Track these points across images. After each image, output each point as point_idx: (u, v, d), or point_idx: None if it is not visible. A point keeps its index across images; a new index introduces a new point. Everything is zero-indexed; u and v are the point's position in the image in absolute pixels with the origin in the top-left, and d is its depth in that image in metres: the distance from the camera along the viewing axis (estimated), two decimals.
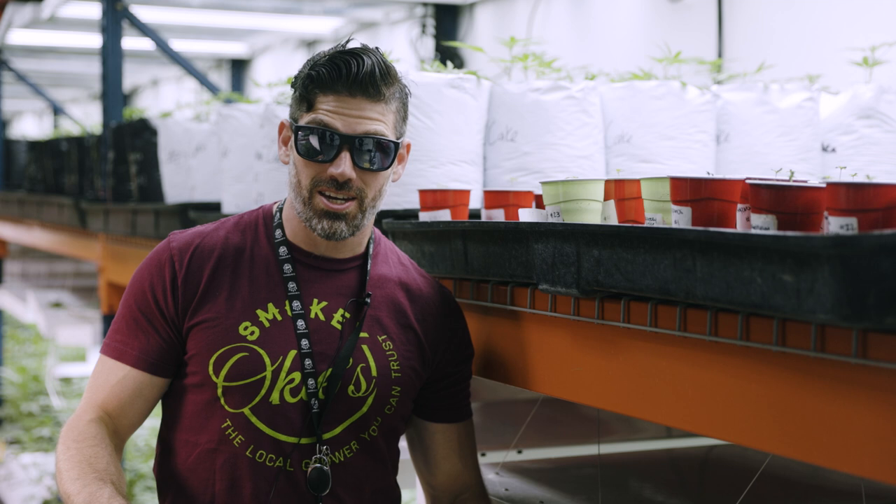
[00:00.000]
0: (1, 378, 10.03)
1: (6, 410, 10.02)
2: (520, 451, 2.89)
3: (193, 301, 1.94)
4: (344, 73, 1.88)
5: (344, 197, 1.91)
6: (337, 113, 1.89)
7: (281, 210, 2.03)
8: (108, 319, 5.50)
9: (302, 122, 1.92)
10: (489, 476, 2.62)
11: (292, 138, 1.95)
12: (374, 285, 2.03)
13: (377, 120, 1.90)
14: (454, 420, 2.14)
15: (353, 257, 2.03)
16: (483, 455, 2.82)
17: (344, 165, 1.88)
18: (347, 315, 1.99)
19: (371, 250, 2.05)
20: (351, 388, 1.97)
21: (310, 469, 1.94)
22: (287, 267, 1.98)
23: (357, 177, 1.90)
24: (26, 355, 11.39)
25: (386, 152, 1.92)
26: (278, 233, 2.01)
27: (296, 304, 1.96)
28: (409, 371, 2.03)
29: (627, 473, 2.76)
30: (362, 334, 1.99)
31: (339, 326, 1.98)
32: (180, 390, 1.97)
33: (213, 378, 1.92)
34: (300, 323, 1.95)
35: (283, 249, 1.99)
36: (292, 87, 1.98)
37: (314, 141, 1.90)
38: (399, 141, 1.95)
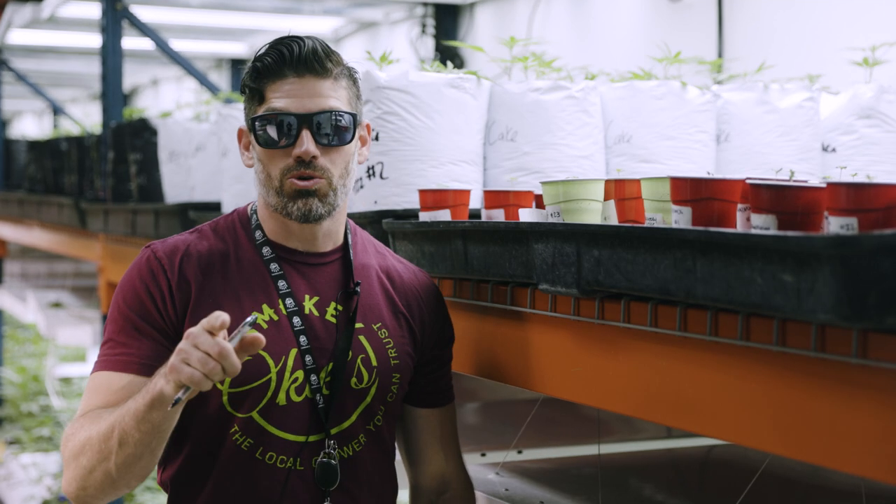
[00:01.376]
0: (1, 378, 10.03)
1: (6, 410, 10.03)
2: (520, 451, 2.89)
3: (188, 308, 1.92)
4: (287, 56, 1.91)
5: (311, 175, 1.92)
6: (288, 97, 1.91)
7: (255, 212, 2.03)
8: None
9: (252, 116, 1.94)
10: (489, 476, 2.63)
11: (251, 136, 1.96)
12: (359, 274, 2.04)
13: (329, 96, 1.93)
14: (437, 404, 2.15)
15: (334, 249, 2.03)
16: (483, 455, 2.82)
17: (306, 143, 1.90)
18: (340, 308, 1.99)
19: (350, 240, 2.06)
20: (354, 380, 1.97)
21: (317, 464, 1.94)
22: (274, 266, 1.98)
23: (321, 155, 1.92)
24: (26, 355, 11.39)
25: (344, 128, 1.94)
26: (258, 234, 2.01)
27: (289, 301, 1.96)
28: (405, 357, 2.04)
29: (627, 473, 2.76)
30: (357, 325, 2.00)
31: (333, 320, 1.98)
32: None
33: (218, 386, 1.90)
34: (296, 320, 1.95)
35: (266, 249, 1.99)
36: (241, 92, 2.00)
37: (272, 129, 1.91)
38: (355, 113, 1.96)
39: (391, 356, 2.02)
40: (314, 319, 1.97)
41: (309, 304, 1.98)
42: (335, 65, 1.94)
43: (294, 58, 1.91)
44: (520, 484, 2.57)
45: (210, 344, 1.65)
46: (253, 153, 1.98)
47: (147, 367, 1.89)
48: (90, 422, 1.83)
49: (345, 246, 2.05)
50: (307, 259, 2.00)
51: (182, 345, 1.67)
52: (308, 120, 1.91)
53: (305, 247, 2.00)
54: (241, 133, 2.02)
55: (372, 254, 2.10)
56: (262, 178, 1.96)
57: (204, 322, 1.67)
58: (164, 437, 1.78)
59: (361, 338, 2.00)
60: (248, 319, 1.71)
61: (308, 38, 1.93)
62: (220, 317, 1.67)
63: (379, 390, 2.00)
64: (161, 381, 1.70)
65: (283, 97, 1.91)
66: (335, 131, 1.93)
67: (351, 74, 1.99)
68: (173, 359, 1.68)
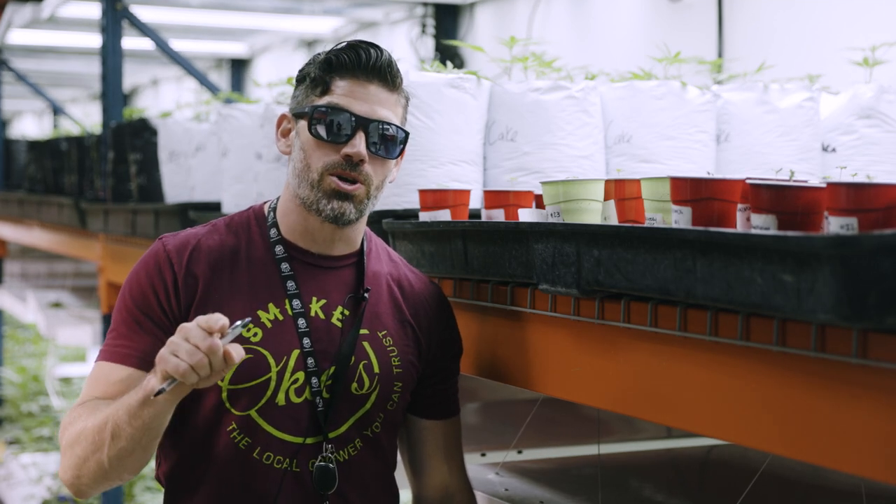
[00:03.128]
0: (1, 378, 10.03)
1: (6, 410, 10.02)
2: (520, 451, 2.89)
3: (194, 302, 1.93)
4: (364, 59, 1.93)
5: (354, 179, 1.93)
6: (353, 97, 1.93)
7: (274, 209, 2.03)
8: (107, 319, 5.50)
9: (315, 104, 1.94)
10: (489, 476, 2.63)
11: (302, 122, 1.96)
12: (369, 281, 2.04)
13: (389, 109, 1.95)
14: (442, 416, 2.15)
15: (349, 254, 2.03)
16: (483, 455, 2.82)
17: (360, 145, 1.91)
18: (346, 312, 2.00)
19: (365, 247, 2.06)
20: (354, 385, 1.97)
21: (315, 467, 1.94)
22: (285, 266, 1.98)
23: (368, 161, 1.93)
24: (26, 355, 11.38)
25: (395, 142, 1.96)
26: (273, 231, 2.00)
27: (296, 302, 1.96)
28: (408, 366, 2.04)
29: (627, 473, 2.76)
30: (362, 331, 2.00)
31: (339, 324, 1.98)
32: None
33: (218, 382, 1.91)
34: (301, 322, 1.95)
35: (279, 248, 1.99)
36: (299, 79, 2.00)
37: (328, 122, 1.92)
38: (407, 132, 1.99)
39: (394, 364, 2.02)
40: (319, 322, 1.97)
41: (315, 307, 1.98)
42: (401, 83, 1.98)
43: (370, 63, 1.93)
44: (520, 484, 2.57)
45: (200, 337, 1.66)
46: (294, 141, 1.98)
47: (145, 363, 1.90)
48: (87, 412, 1.83)
49: (359, 252, 2.05)
50: (319, 261, 2.00)
51: (173, 337, 1.68)
52: (366, 124, 1.92)
53: (319, 249, 2.00)
54: (282, 118, 2.02)
55: (385, 262, 2.10)
56: (299, 167, 1.95)
57: (201, 319, 1.67)
58: (156, 434, 1.78)
59: (365, 344, 2.00)
60: (240, 322, 1.71)
61: (384, 49, 1.96)
62: (220, 320, 1.68)
63: (379, 397, 2.00)
64: (152, 377, 1.71)
65: (348, 96, 1.92)
66: (386, 142, 1.95)
67: (407, 98, 2.02)
68: (163, 350, 1.68)
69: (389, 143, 1.95)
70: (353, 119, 1.91)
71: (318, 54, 1.98)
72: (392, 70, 1.95)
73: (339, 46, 1.96)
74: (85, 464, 1.81)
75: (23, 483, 8.08)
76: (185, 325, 1.69)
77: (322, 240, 2.00)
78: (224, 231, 2.02)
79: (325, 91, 1.94)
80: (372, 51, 1.93)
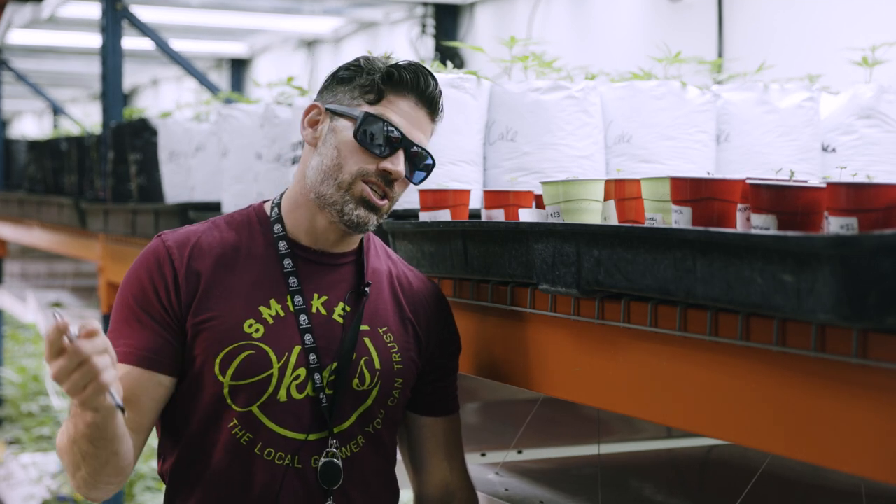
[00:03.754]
0: (1, 378, 10.03)
1: (6, 410, 10.02)
2: (520, 451, 2.89)
3: (195, 299, 1.93)
4: (422, 85, 1.98)
5: (385, 194, 1.96)
6: (404, 118, 1.97)
7: (278, 206, 2.03)
8: (107, 319, 5.49)
9: (368, 111, 1.95)
10: (489, 476, 2.63)
11: (343, 122, 1.96)
12: (370, 278, 2.05)
13: (428, 138, 2.02)
14: (442, 413, 2.15)
15: (349, 252, 2.05)
16: (483, 455, 2.82)
17: (401, 164, 1.95)
18: (348, 309, 2.00)
19: (364, 244, 2.07)
20: (356, 381, 1.98)
21: (321, 463, 1.94)
22: (287, 262, 1.99)
23: (399, 181, 1.98)
24: (26, 355, 11.38)
25: (425, 170, 2.02)
26: (277, 227, 2.01)
27: (297, 299, 1.97)
28: (409, 362, 2.05)
29: (627, 473, 2.76)
30: (363, 327, 2.00)
31: (340, 320, 1.99)
32: (184, 391, 1.96)
33: (220, 378, 1.91)
34: (303, 318, 1.96)
35: (282, 244, 2.00)
36: (344, 79, 1.99)
37: (378, 132, 1.94)
38: (435, 163, 2.04)
39: (395, 360, 2.02)
40: (321, 318, 1.97)
41: (317, 303, 1.98)
42: (440, 118, 2.04)
43: (428, 90, 1.99)
44: (520, 484, 2.57)
45: (75, 356, 1.63)
46: (326, 137, 1.98)
47: (146, 359, 1.90)
48: (72, 420, 1.83)
49: (359, 250, 2.06)
50: (321, 258, 2.01)
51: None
52: (409, 146, 1.97)
53: (321, 246, 2.01)
54: (312, 108, 2.02)
55: (384, 259, 2.11)
56: (328, 164, 1.96)
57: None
58: (118, 441, 1.77)
59: (366, 340, 2.00)
60: (53, 311, 1.68)
61: (438, 81, 2.02)
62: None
63: (380, 394, 2.01)
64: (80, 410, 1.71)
65: (400, 114, 1.97)
66: (417, 168, 2.00)
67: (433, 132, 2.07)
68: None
69: (420, 168, 2.00)
70: (402, 137, 1.95)
71: (368, 60, 2.00)
72: (440, 103, 2.02)
73: (400, 63, 1.99)
74: (77, 473, 1.84)
75: (23, 483, 8.08)
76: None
77: (325, 238, 2.00)
78: (225, 228, 2.02)
79: (378, 101, 1.97)
80: (430, 79, 1.99)
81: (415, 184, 2.02)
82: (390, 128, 1.94)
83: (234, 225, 2.03)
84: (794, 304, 1.42)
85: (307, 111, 2.02)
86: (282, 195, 2.05)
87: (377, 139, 1.94)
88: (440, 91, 2.01)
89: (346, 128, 1.95)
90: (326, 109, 1.99)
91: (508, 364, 2.18)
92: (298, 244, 2.00)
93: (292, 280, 1.98)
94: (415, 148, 1.97)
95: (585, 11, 5.51)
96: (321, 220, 1.98)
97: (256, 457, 1.93)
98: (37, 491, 7.85)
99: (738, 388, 1.61)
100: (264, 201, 2.08)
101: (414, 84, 1.97)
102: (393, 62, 2.00)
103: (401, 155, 1.95)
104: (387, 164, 1.94)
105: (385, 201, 1.96)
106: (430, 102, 1.99)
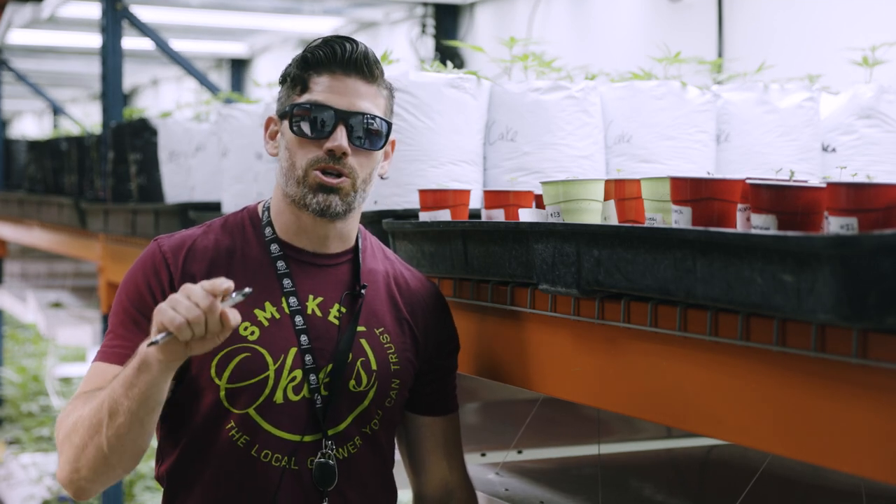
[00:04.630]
0: (1, 378, 10.03)
1: (6, 410, 10.02)
2: (520, 451, 2.89)
3: None
4: (339, 53, 1.94)
5: (338, 172, 1.94)
6: (331, 92, 1.94)
7: (268, 209, 2.04)
8: (107, 319, 5.49)
9: (294, 102, 1.95)
10: (489, 476, 2.63)
11: (285, 122, 1.97)
12: (366, 278, 2.04)
13: (370, 101, 1.96)
14: (441, 413, 2.15)
15: (344, 252, 2.04)
16: (483, 455, 2.82)
17: (340, 139, 1.92)
18: (343, 310, 2.00)
19: (360, 244, 2.06)
20: (352, 382, 1.98)
21: (315, 464, 1.94)
22: (280, 264, 1.99)
23: (351, 154, 1.94)
24: (26, 355, 11.39)
25: (378, 133, 1.97)
26: (268, 230, 2.01)
27: (292, 300, 1.97)
28: (406, 363, 2.05)
29: (627, 473, 2.76)
30: (360, 328, 2.00)
31: (336, 321, 1.99)
32: (182, 394, 1.96)
33: (216, 381, 1.91)
34: (298, 319, 1.96)
35: (274, 247, 2.00)
36: (281, 80, 2.01)
37: (309, 119, 1.93)
38: (390, 122, 1.99)
39: (392, 361, 2.02)
40: (316, 320, 1.97)
41: (312, 305, 1.98)
42: (380, 74, 1.98)
43: (346, 57, 1.94)
44: (520, 484, 2.57)
45: (201, 296, 1.64)
46: (280, 142, 2.00)
47: None
48: (81, 402, 1.83)
49: (354, 249, 2.05)
50: (315, 259, 2.01)
51: (175, 294, 1.67)
52: (346, 117, 1.93)
53: (314, 247, 2.01)
54: (269, 121, 2.04)
55: (380, 259, 2.10)
56: (285, 166, 1.97)
57: (205, 282, 1.66)
58: (154, 408, 1.76)
59: (363, 341, 2.00)
60: (244, 290, 1.69)
61: (360, 42, 1.97)
62: (224, 283, 1.66)
63: (377, 394, 2.00)
64: (146, 343, 1.70)
65: (326, 91, 1.94)
66: (369, 134, 1.96)
67: (390, 89, 2.03)
68: (162, 303, 1.67)
69: (373, 135, 1.96)
70: (333, 113, 1.93)
71: (298, 54, 2.00)
72: (369, 62, 1.96)
73: (314, 43, 1.97)
74: (83, 452, 1.79)
75: (23, 483, 8.09)
76: (188, 284, 1.68)
77: (316, 237, 2.00)
78: (219, 231, 2.02)
79: (305, 89, 1.95)
80: (347, 45, 1.94)
81: (375, 150, 1.97)
82: (319, 109, 1.92)
83: (229, 228, 2.03)
84: (794, 304, 1.42)
85: (266, 125, 2.05)
86: (271, 198, 2.05)
87: (313, 125, 1.93)
88: (364, 50, 1.95)
89: (287, 127, 1.97)
90: (277, 117, 2.01)
91: (508, 364, 2.18)
92: (292, 246, 2.00)
93: (287, 282, 1.97)
94: (353, 118, 1.93)
95: (585, 11, 5.51)
96: (305, 219, 1.98)
97: (254, 458, 1.93)
98: (37, 491, 7.86)
99: (738, 388, 1.61)
100: (258, 202, 2.08)
101: (330, 57, 1.94)
102: (312, 44, 1.97)
103: (341, 130, 1.92)
104: (328, 144, 1.92)
105: (340, 179, 1.93)
106: (356, 66, 1.94)
